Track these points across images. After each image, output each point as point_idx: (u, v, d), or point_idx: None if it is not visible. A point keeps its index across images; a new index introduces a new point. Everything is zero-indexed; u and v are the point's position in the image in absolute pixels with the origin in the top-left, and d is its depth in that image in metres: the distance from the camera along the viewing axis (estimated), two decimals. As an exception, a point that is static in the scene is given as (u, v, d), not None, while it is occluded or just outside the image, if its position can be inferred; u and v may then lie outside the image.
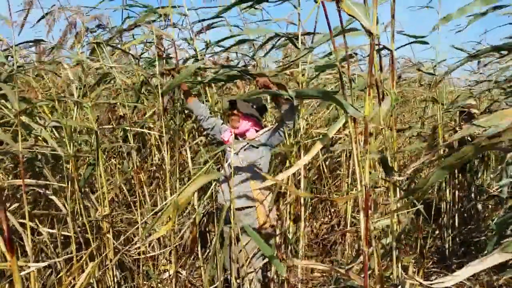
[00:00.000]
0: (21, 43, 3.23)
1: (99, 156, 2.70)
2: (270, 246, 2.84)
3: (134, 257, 2.95)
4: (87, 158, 2.97)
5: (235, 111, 2.89)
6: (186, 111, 3.17)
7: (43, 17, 2.99)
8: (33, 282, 2.16)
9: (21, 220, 2.19)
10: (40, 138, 2.56)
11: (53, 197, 2.42)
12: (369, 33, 0.92)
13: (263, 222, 2.79)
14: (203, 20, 3.10)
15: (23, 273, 2.32)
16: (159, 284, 2.96)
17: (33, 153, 2.45)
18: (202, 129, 3.27)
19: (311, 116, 3.89)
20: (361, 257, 2.46)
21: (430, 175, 1.13)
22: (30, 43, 3.30)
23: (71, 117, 2.88)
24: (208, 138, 3.32)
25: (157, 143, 3.44)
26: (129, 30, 3.04)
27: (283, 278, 2.93)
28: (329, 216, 3.95)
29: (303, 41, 2.84)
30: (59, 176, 2.73)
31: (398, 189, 2.02)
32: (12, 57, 2.96)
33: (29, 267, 2.04)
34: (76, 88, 2.80)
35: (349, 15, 0.93)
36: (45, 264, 2.11)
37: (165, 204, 1.76)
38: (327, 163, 3.92)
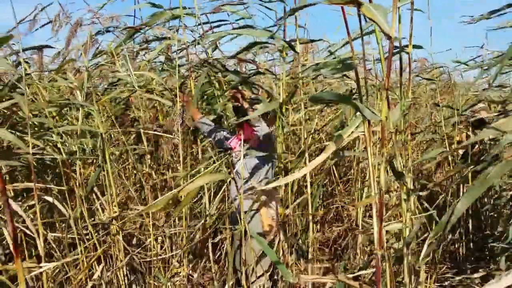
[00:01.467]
0: (27, 49, 3.18)
1: (106, 159, 2.71)
2: (276, 251, 2.85)
3: (145, 259, 2.95)
4: (95, 161, 2.98)
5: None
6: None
7: (49, 22, 2.98)
8: (45, 281, 2.19)
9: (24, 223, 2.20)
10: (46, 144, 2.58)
11: (55, 201, 2.42)
12: (388, 37, 0.91)
13: (267, 226, 2.80)
14: (211, 22, 3.13)
15: (33, 273, 2.35)
16: (170, 287, 2.96)
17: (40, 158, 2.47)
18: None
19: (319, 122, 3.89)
20: (373, 262, 2.45)
21: (454, 204, 1.11)
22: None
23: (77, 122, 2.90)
24: (216, 149, 3.34)
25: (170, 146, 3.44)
26: (139, 30, 3.03)
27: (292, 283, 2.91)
28: (340, 220, 3.94)
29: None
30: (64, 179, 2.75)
31: (410, 194, 2.00)
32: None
33: (40, 267, 2.08)
34: (82, 94, 2.80)
35: (370, 19, 0.92)
36: (55, 264, 2.12)
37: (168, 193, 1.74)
38: (336, 167, 3.91)
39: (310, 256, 2.87)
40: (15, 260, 1.09)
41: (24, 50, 2.93)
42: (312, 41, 3.26)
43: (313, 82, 4.02)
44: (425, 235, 2.51)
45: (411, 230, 2.12)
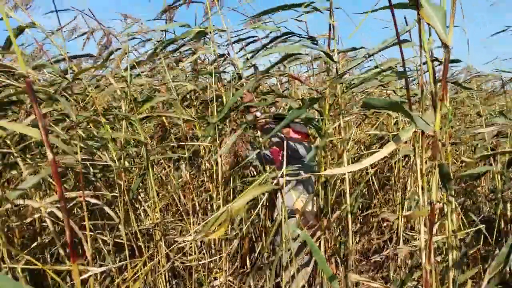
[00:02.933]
0: (75, 56, 3.28)
1: (148, 167, 2.77)
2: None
3: (186, 265, 2.99)
4: (137, 169, 3.05)
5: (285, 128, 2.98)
6: None
7: (84, 33, 3.07)
8: (92, 285, 2.25)
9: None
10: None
11: (106, 207, 2.49)
12: (445, 46, 0.91)
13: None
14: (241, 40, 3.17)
15: (82, 276, 2.43)
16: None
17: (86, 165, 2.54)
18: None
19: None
20: (415, 275, 2.40)
21: None
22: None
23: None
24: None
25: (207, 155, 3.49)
26: (168, 45, 3.11)
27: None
28: (380, 230, 3.87)
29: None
30: (109, 185, 2.83)
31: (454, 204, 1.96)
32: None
33: (88, 271, 2.14)
34: (125, 103, 2.88)
35: (428, 24, 0.91)
36: (103, 269, 2.18)
37: (218, 212, 1.76)
38: (374, 175, 3.86)
39: (350, 266, 2.84)
40: (72, 262, 1.13)
41: (71, 58, 3.05)
42: (354, 49, 3.20)
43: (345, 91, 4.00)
44: (472, 250, 2.45)
45: (456, 243, 2.07)
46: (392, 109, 1.14)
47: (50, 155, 0.94)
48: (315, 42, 2.90)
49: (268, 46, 2.82)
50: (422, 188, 1.41)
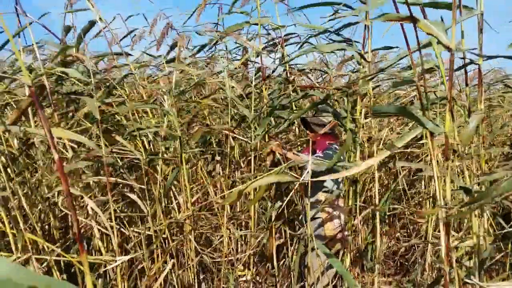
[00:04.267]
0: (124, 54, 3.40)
1: (182, 161, 2.84)
2: (342, 260, 2.83)
3: (214, 259, 3.05)
4: (172, 163, 3.13)
5: (310, 132, 2.99)
6: None
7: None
8: (119, 274, 2.34)
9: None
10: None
11: (135, 197, 2.58)
12: (448, 49, 0.91)
13: (330, 233, 2.82)
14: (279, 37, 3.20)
15: (110, 266, 2.54)
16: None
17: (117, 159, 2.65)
18: None
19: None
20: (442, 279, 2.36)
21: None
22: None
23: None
24: None
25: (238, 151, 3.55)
26: (222, 38, 3.20)
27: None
28: (408, 232, 3.82)
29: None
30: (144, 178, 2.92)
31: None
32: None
33: (115, 260, 2.24)
34: (170, 98, 2.97)
35: (428, 33, 0.92)
36: (129, 257, 2.26)
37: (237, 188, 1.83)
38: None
39: (376, 269, 2.82)
40: (80, 254, 1.19)
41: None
42: (388, 48, 3.15)
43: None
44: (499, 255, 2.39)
45: (484, 247, 2.03)
46: (400, 114, 1.15)
47: (55, 155, 1.00)
48: (350, 43, 2.91)
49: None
50: (439, 190, 1.40)
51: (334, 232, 2.84)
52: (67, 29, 2.70)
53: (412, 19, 0.95)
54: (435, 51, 1.09)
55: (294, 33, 3.19)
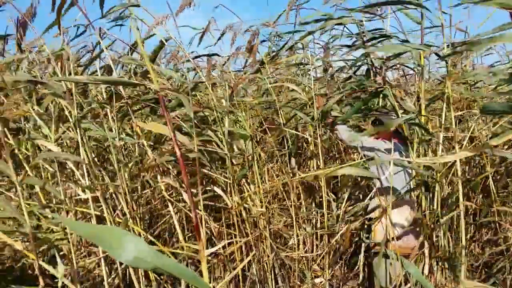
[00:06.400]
0: (196, 57, 3.45)
1: (254, 160, 2.88)
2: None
3: (290, 257, 3.05)
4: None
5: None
6: None
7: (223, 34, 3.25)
8: (204, 266, 2.39)
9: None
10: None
11: (220, 191, 2.63)
12: None
13: (378, 240, 2.71)
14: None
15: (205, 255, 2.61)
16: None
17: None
18: None
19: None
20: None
21: None
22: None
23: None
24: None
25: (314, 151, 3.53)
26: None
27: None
28: (494, 240, 3.60)
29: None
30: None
31: None
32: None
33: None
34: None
35: None
36: (216, 248, 2.32)
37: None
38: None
39: (461, 278, 2.69)
40: (198, 241, 1.22)
41: (194, 58, 3.28)
42: (465, 43, 3.03)
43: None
44: None
45: None
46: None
47: (178, 152, 1.05)
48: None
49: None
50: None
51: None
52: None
53: None
54: None
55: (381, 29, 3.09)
